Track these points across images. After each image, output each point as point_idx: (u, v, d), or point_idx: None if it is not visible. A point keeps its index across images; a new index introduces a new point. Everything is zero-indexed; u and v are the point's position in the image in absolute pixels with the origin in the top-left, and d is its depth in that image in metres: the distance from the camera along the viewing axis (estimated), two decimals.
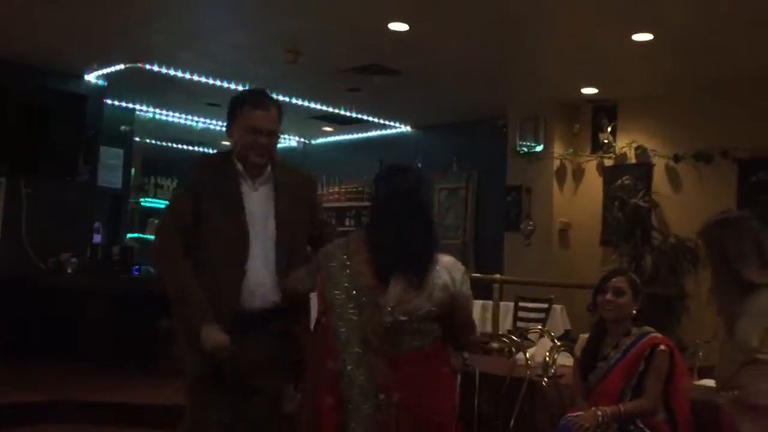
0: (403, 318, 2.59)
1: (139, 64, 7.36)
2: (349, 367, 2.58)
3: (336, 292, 2.65)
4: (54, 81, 7.55)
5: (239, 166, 3.05)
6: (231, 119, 3.08)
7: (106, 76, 7.91)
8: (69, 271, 7.04)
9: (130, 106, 8.95)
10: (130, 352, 6.26)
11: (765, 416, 2.66)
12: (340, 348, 2.60)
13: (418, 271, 2.62)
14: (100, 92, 8.07)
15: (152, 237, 2.90)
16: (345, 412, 2.57)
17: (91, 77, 7.94)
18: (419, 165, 9.29)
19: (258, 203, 3.02)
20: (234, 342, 2.83)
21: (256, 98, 3.09)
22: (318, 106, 8.86)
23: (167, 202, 3.19)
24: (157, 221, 2.92)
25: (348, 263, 2.67)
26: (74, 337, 6.57)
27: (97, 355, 6.36)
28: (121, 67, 7.54)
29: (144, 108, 9.10)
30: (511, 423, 4.21)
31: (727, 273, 2.82)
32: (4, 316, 6.48)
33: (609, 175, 8.00)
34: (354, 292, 2.63)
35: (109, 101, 8.39)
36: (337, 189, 10.28)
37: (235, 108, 3.07)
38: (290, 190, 3.12)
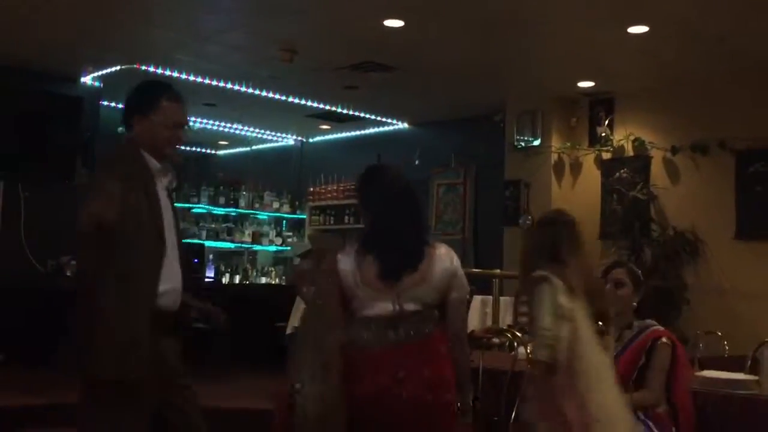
0: (412, 308, 2.80)
1: (135, 65, 7.35)
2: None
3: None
4: (50, 84, 7.55)
5: (153, 162, 2.96)
6: (145, 110, 2.94)
7: (101, 78, 7.91)
8: (68, 273, 7.04)
9: None
10: None
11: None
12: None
13: (418, 265, 2.83)
14: (96, 94, 8.06)
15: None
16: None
17: (86, 79, 7.93)
18: (417, 162, 9.36)
19: (164, 200, 3.00)
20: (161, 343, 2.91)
21: (175, 91, 3.04)
22: (315, 104, 8.85)
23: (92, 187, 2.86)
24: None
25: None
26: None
27: None
28: (117, 68, 7.53)
29: None
30: (512, 418, 4.21)
31: (531, 263, 3.25)
32: (6, 319, 6.48)
33: (607, 168, 8.00)
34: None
35: (105, 103, 8.38)
36: (335, 187, 10.27)
37: (153, 99, 2.96)
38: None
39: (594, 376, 3.05)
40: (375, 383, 2.73)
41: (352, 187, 9.98)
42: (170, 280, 2.92)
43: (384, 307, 2.80)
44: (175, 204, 3.17)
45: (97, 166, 3.07)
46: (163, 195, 2.97)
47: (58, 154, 7.32)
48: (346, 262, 2.87)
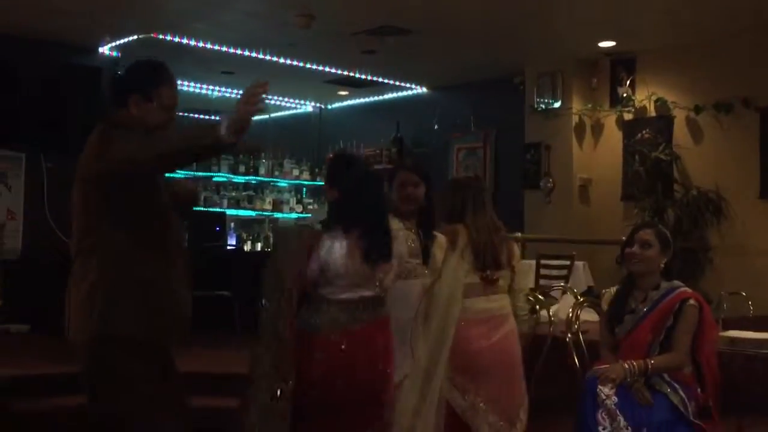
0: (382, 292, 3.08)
1: (152, 35, 7.34)
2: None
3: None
4: (68, 55, 7.55)
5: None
6: (145, 91, 2.89)
7: (119, 48, 7.90)
8: None
9: None
10: None
11: None
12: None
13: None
14: (114, 64, 8.06)
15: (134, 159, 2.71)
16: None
17: (104, 49, 7.93)
18: (436, 126, 9.31)
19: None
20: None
21: (171, 73, 2.99)
22: (333, 70, 8.81)
23: (125, 142, 2.77)
24: (121, 153, 2.74)
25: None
26: None
27: None
28: (135, 38, 7.52)
29: None
30: (534, 380, 4.23)
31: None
32: (32, 290, 6.56)
33: (629, 129, 7.91)
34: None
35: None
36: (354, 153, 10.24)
37: (153, 82, 2.93)
38: None
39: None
40: (366, 361, 3.00)
41: (373, 152, 9.98)
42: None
43: (366, 291, 3.05)
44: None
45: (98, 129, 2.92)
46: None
47: (78, 124, 7.33)
48: (333, 249, 3.04)
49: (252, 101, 2.56)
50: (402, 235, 3.51)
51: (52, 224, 7.28)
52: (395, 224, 3.41)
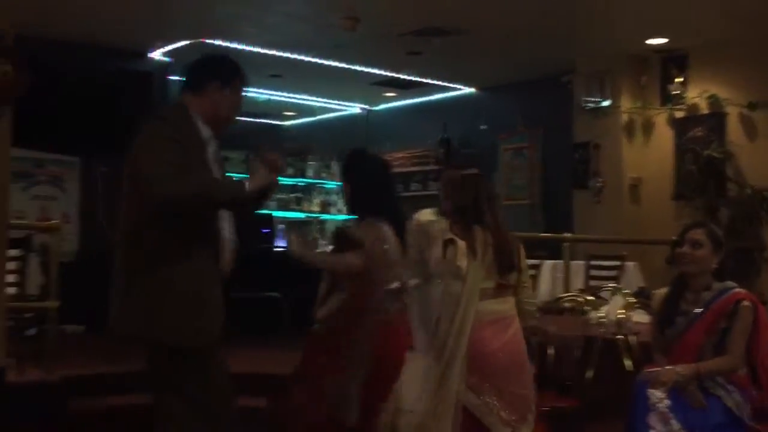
0: None
1: (202, 40, 7.45)
2: None
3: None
4: (120, 60, 7.72)
5: (208, 131, 2.95)
6: (224, 81, 2.95)
7: (170, 53, 8.04)
8: None
9: None
10: None
11: None
12: None
13: None
14: (164, 69, 8.21)
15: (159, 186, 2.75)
16: None
17: (155, 55, 8.07)
18: (483, 127, 9.28)
19: (215, 170, 2.98)
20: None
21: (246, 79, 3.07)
22: (379, 72, 8.83)
23: (151, 149, 2.86)
24: (148, 170, 2.79)
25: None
26: None
27: None
28: (184, 43, 7.64)
29: None
30: (585, 382, 4.18)
31: None
32: (87, 291, 6.70)
33: (680, 127, 7.78)
34: None
35: (174, 77, 8.52)
36: (401, 154, 10.25)
37: (234, 76, 2.99)
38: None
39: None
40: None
41: (420, 153, 9.99)
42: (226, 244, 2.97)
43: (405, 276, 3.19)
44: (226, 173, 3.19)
45: (148, 126, 2.97)
46: (213, 162, 2.95)
47: (130, 129, 7.48)
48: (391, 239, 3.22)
49: (275, 170, 2.84)
50: (439, 230, 3.52)
51: (105, 226, 7.44)
52: (442, 224, 3.41)
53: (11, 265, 5.01)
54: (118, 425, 4.89)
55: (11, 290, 5.01)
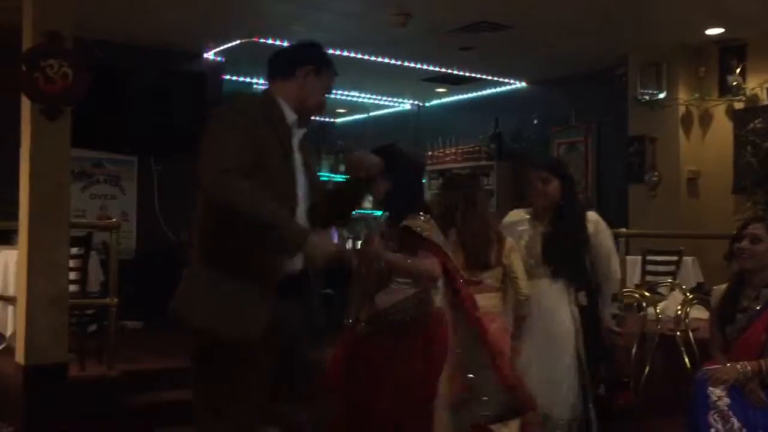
0: None
1: (254, 39, 7.52)
2: None
3: None
4: (174, 61, 7.83)
5: (293, 116, 2.82)
6: (316, 66, 2.85)
7: (223, 53, 8.14)
8: None
9: (247, 80, 9.17)
10: None
11: None
12: None
13: None
14: (218, 69, 8.32)
15: (207, 176, 2.61)
16: None
17: (209, 55, 8.18)
18: (535, 121, 9.19)
19: (299, 158, 2.82)
20: (281, 305, 2.68)
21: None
22: (430, 68, 8.81)
23: (214, 137, 2.67)
24: (206, 158, 2.63)
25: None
26: None
27: None
28: (237, 42, 7.73)
29: (260, 82, 9.30)
30: (643, 379, 4.12)
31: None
32: (145, 288, 6.84)
33: (739, 118, 7.60)
34: None
35: (227, 77, 8.63)
36: (453, 150, 10.21)
37: (325, 62, 2.91)
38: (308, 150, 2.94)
39: None
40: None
41: (471, 149, 9.93)
42: None
43: None
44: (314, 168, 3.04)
45: (227, 108, 2.78)
46: (297, 149, 2.82)
47: (185, 128, 7.60)
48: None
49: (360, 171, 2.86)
50: (521, 231, 3.68)
51: (162, 224, 7.58)
52: (519, 214, 3.58)
53: (72, 263, 5.13)
54: (177, 419, 4.97)
55: (73, 287, 5.13)
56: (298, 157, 2.81)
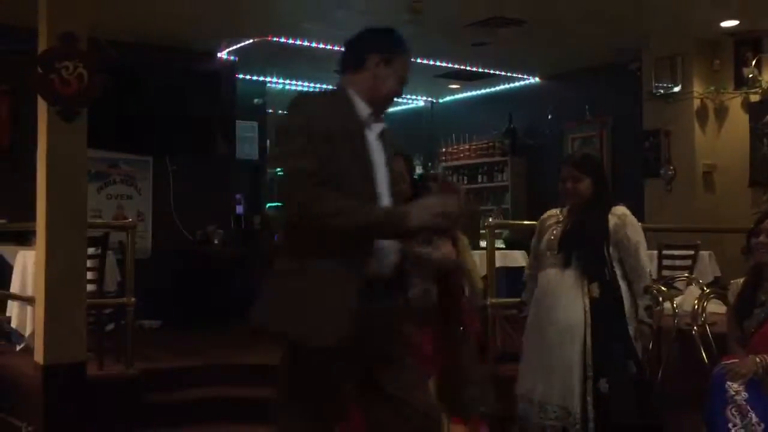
0: None
1: (268, 37, 7.54)
2: None
3: None
4: (188, 60, 7.86)
5: (367, 110, 2.65)
6: (386, 54, 2.68)
7: (236, 52, 8.16)
8: (216, 242, 7.38)
9: (261, 79, 9.19)
10: None
11: None
12: None
13: None
14: (232, 68, 8.34)
15: (288, 199, 2.51)
16: None
17: (222, 54, 8.21)
18: (550, 116, 9.16)
19: (377, 152, 2.64)
20: (364, 311, 2.46)
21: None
22: (443, 64, 8.80)
23: (283, 151, 2.53)
24: (282, 176, 2.52)
25: None
26: (226, 303, 6.88)
27: (246, 320, 6.61)
28: (250, 41, 7.75)
29: (274, 80, 9.33)
30: (660, 374, 4.11)
31: None
32: (163, 287, 6.88)
33: (756, 111, 7.54)
34: None
35: (240, 76, 8.65)
36: (467, 146, 10.21)
37: (397, 46, 2.73)
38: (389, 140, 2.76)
39: None
40: None
41: (485, 145, 9.92)
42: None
43: None
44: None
45: (295, 107, 2.59)
46: (376, 145, 2.64)
47: (200, 127, 7.64)
48: None
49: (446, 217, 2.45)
50: (549, 226, 3.81)
51: (178, 224, 7.62)
52: (553, 212, 3.82)
53: (90, 263, 5.16)
54: (195, 417, 5.01)
55: (90, 287, 5.16)
56: (376, 153, 2.62)
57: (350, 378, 2.61)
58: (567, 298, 3.59)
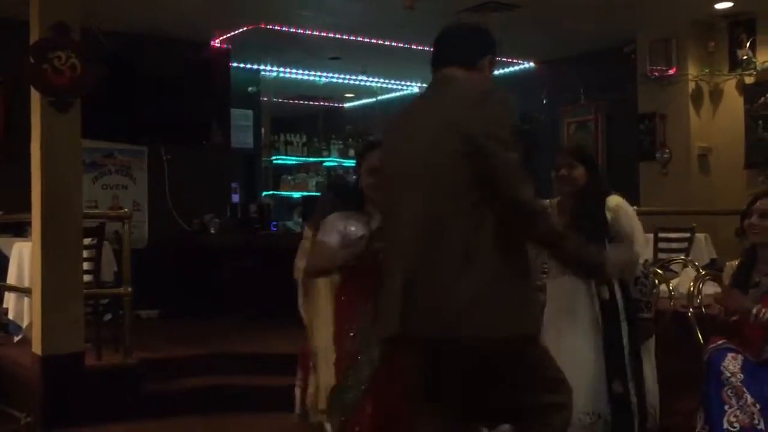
0: None
1: (261, 25, 7.51)
2: None
3: None
4: (182, 50, 7.83)
5: None
6: (493, 58, 2.67)
7: (230, 40, 8.13)
8: (212, 230, 7.37)
9: (255, 67, 9.16)
10: (274, 305, 6.50)
11: None
12: None
13: None
14: (225, 56, 8.31)
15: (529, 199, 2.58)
16: None
17: (216, 42, 8.17)
18: (545, 101, 9.14)
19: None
20: None
21: None
22: None
23: (512, 157, 2.63)
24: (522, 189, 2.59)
25: None
26: (222, 292, 6.89)
27: (243, 308, 6.63)
28: (244, 29, 7.72)
29: (268, 68, 9.30)
30: (657, 355, 4.12)
31: None
32: (160, 277, 6.88)
33: (750, 93, 7.54)
34: None
35: (234, 64, 8.62)
36: None
37: (493, 48, 2.70)
38: None
39: None
40: None
41: None
42: None
43: None
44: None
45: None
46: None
47: (195, 116, 7.62)
48: None
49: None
50: None
51: (174, 213, 7.61)
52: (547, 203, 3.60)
53: (86, 254, 5.16)
54: (193, 407, 5.02)
55: (87, 277, 5.17)
56: None
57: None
58: (579, 304, 3.49)
